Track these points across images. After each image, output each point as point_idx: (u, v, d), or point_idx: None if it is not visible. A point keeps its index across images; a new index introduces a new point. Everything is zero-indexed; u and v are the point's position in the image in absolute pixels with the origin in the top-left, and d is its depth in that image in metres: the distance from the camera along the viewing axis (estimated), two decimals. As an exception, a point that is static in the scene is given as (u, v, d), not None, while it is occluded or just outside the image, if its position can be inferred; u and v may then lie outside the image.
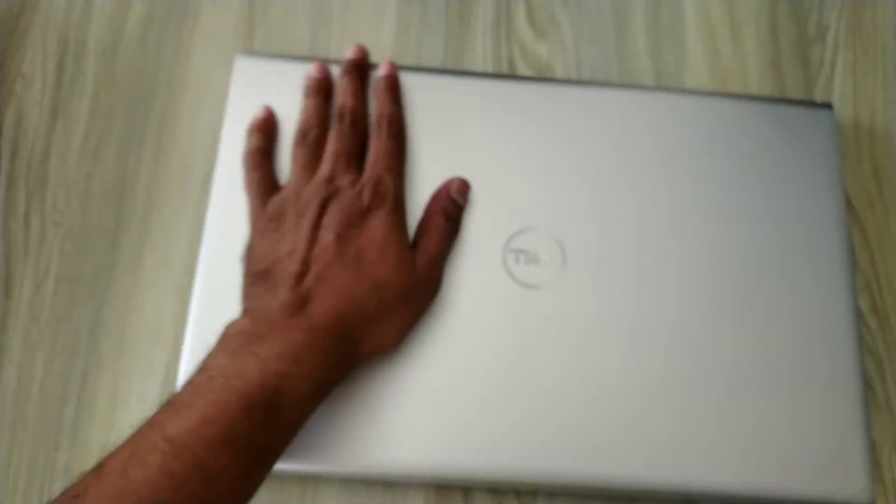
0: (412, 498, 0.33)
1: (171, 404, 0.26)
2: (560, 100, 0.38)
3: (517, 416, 0.32)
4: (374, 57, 0.40)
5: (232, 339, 0.28)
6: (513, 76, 0.40)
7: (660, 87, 0.40)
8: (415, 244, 0.33)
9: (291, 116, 0.36)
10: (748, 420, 0.33)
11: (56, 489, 0.33)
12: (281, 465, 0.31)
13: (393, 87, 0.36)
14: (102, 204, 0.37)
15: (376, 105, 0.35)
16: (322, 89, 0.36)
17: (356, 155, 0.34)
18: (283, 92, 0.37)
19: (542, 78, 0.40)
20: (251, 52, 0.40)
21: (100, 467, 0.24)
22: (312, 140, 0.34)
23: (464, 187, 0.35)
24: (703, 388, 0.33)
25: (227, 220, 0.34)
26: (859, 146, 0.40)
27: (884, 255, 0.38)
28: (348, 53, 0.37)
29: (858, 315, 0.36)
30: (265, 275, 0.31)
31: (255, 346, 0.27)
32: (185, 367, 0.32)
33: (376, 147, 0.34)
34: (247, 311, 0.30)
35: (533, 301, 0.34)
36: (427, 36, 0.41)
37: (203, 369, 0.27)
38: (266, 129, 0.35)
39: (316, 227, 0.31)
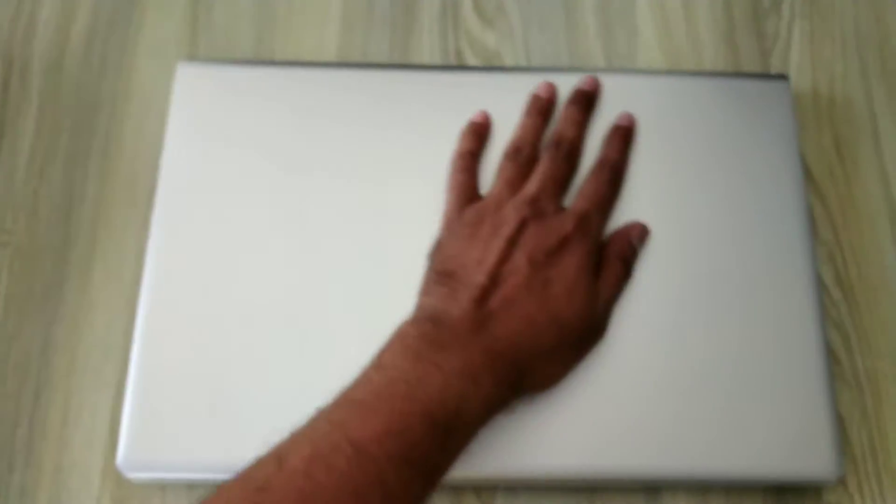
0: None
1: (351, 401, 0.26)
2: (510, 88, 0.37)
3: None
4: (320, 56, 0.40)
5: (413, 341, 0.28)
6: (461, 67, 0.40)
7: (610, 69, 0.40)
8: None
9: (236, 121, 0.36)
10: (709, 402, 0.32)
11: (12, 512, 0.32)
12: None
13: (628, 140, 0.35)
14: (50, 221, 0.37)
15: (606, 148, 0.35)
16: (544, 110, 0.36)
17: (564, 185, 0.34)
18: (227, 97, 0.36)
19: (491, 67, 0.40)
20: (194, 58, 0.39)
21: (279, 461, 0.24)
22: (524, 158, 0.34)
23: (645, 234, 0.34)
24: (660, 370, 0.32)
25: (171, 230, 0.34)
26: (818, 116, 0.39)
27: (847, 226, 0.37)
28: (582, 84, 0.36)
29: (821, 288, 0.35)
30: (449, 276, 0.30)
31: (436, 356, 0.27)
32: (134, 383, 0.32)
33: (593, 185, 0.34)
34: (422, 307, 0.30)
35: (486, 293, 0.33)
36: (373, 32, 0.40)
37: (380, 366, 0.27)
38: (481, 133, 0.35)
39: (510, 243, 0.31)
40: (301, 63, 0.38)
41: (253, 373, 0.32)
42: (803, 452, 0.31)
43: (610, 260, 0.33)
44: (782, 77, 0.38)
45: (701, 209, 0.35)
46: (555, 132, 0.35)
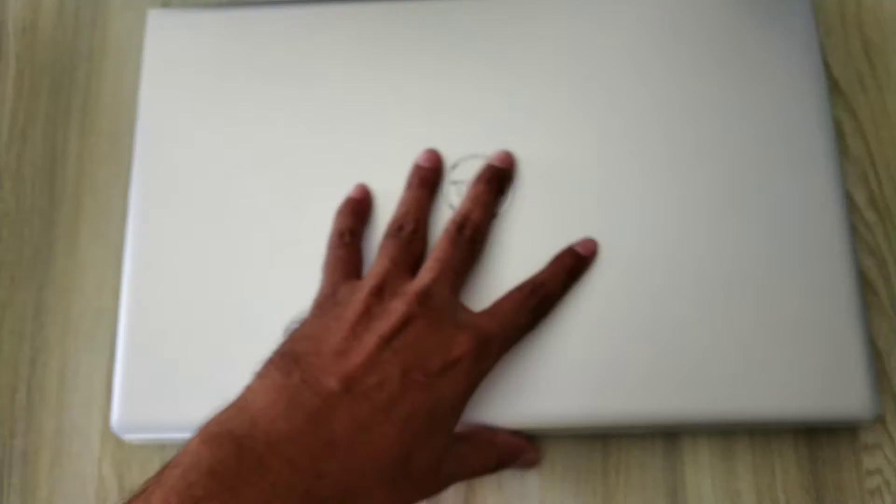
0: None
1: None
2: (496, 11, 0.34)
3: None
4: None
5: (200, 478, 0.21)
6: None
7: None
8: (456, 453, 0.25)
9: (212, 67, 0.34)
10: (731, 338, 0.30)
11: (15, 476, 0.32)
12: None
13: (575, 274, 0.29)
14: (35, 184, 0.36)
15: (545, 270, 0.29)
16: (429, 182, 0.30)
17: (464, 276, 0.28)
18: (201, 43, 0.35)
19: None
20: (166, 6, 0.37)
21: None
22: (407, 234, 0.29)
23: (536, 463, 0.29)
24: (680, 304, 0.30)
25: (151, 185, 0.33)
26: (845, 22, 0.36)
27: (880, 140, 0.34)
28: (494, 159, 0.30)
29: (851, 210, 0.32)
30: (294, 361, 0.24)
31: (222, 499, 0.21)
32: (124, 344, 0.31)
33: (511, 307, 0.28)
34: (244, 403, 0.23)
35: (481, 234, 0.31)
36: (353, -35, 0.38)
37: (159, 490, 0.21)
38: (358, 210, 0.31)
39: (384, 342, 0.24)
40: (276, 2, 0.36)
41: (243, 327, 0.31)
42: (836, 390, 0.29)
43: (486, 446, 0.27)
44: (802, -20, 0.34)
45: (718, 129, 0.32)
46: (457, 213, 0.30)
